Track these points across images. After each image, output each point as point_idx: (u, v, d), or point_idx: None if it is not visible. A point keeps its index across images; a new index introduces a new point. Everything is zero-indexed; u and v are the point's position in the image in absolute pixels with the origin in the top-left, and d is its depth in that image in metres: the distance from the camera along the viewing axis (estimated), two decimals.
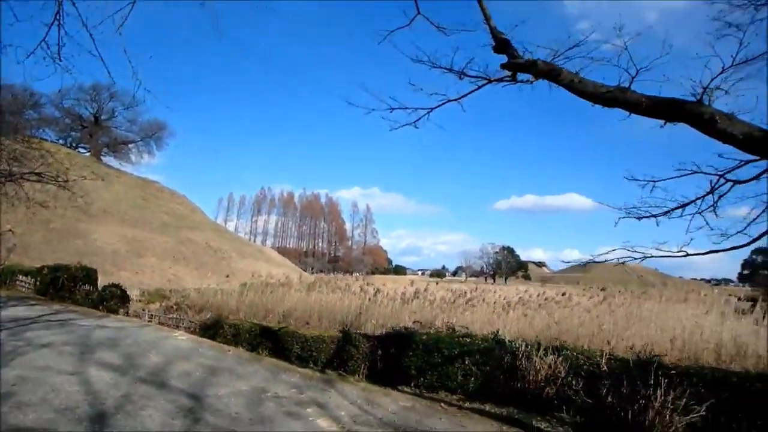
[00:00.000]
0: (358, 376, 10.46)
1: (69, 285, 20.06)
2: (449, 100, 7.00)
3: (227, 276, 47.45)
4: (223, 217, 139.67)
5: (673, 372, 6.61)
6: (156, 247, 50.28)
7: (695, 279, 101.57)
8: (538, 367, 7.77)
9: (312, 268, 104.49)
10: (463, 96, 6.95)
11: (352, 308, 18.77)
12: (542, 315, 14.00)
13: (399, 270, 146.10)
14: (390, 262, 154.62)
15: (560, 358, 7.85)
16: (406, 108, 7.23)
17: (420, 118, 7.31)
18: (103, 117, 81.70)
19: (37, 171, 14.85)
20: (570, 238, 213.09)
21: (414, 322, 11.96)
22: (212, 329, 15.28)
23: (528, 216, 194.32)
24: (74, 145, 77.71)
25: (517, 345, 8.51)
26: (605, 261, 6.82)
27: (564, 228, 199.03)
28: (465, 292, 18.32)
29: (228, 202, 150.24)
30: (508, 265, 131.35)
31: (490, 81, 6.65)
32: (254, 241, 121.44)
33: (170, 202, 68.69)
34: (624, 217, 6.90)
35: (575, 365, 7.88)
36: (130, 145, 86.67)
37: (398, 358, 9.89)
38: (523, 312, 14.86)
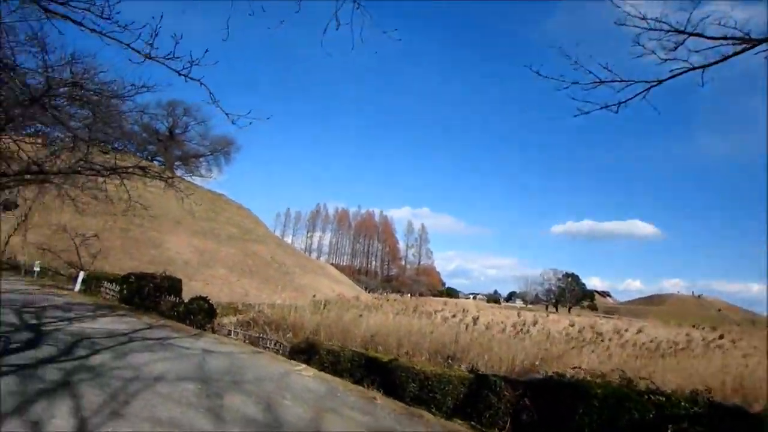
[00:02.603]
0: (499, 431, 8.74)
1: (154, 295, 19.40)
2: (691, 68, 5.25)
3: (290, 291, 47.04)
4: (281, 232, 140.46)
5: None
6: (225, 258, 50.18)
7: None
8: None
9: (366, 287, 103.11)
10: (711, 64, 5.18)
11: (446, 338, 17.18)
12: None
13: (452, 293, 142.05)
14: (443, 283, 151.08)
15: None
16: (618, 81, 5.57)
17: (632, 98, 5.66)
18: (177, 131, 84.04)
19: (141, 165, 14.09)
20: (631, 267, 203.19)
21: (573, 367, 10.06)
22: (306, 353, 13.98)
23: (584, 242, 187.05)
24: (150, 158, 79.92)
25: None
26: None
27: (624, 256, 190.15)
28: (584, 327, 16.25)
29: (285, 218, 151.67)
30: (572, 294, 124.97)
31: (756, 42, 4.91)
32: (310, 257, 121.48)
33: (236, 215, 69.18)
34: None
35: None
36: (200, 159, 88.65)
37: (561, 413, 8.09)
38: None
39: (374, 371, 11.69)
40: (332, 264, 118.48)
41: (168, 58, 4.13)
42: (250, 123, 4.84)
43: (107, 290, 22.42)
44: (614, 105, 5.73)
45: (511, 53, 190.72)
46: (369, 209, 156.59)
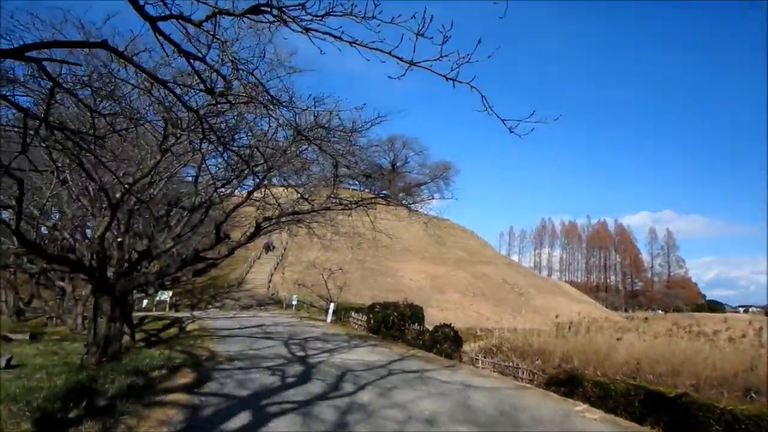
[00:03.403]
0: None
1: (399, 323, 19.83)
2: None
3: (523, 311, 45.11)
4: (506, 252, 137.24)
5: None
6: (456, 283, 50.64)
7: None
8: None
9: (608, 305, 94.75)
10: None
11: (738, 364, 14.13)
12: None
13: (715, 306, 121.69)
14: (703, 296, 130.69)
15: None
16: None
17: None
18: (398, 164, 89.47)
19: (382, 195, 14.77)
20: None
21: None
22: (566, 385, 12.56)
23: None
24: (377, 192, 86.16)
25: None
26: None
27: None
28: None
29: (509, 236, 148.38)
30: None
31: None
32: (540, 275, 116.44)
33: (462, 239, 69.86)
34: None
35: None
36: (421, 187, 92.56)
37: None
38: None
39: (657, 409, 9.85)
40: (566, 281, 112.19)
41: (435, 60, 3.50)
42: (532, 129, 3.93)
43: (355, 320, 23.74)
44: None
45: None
46: (600, 219, 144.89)
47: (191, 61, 3.64)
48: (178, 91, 5.02)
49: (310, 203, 11.84)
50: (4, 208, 11.77)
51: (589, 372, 14.66)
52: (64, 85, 4.80)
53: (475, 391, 9.48)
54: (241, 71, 3.90)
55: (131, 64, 4.10)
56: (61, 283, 25.69)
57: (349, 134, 9.50)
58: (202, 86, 4.26)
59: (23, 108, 4.77)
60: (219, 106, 6.42)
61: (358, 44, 3.47)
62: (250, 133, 9.64)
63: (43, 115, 4.77)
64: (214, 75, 4.31)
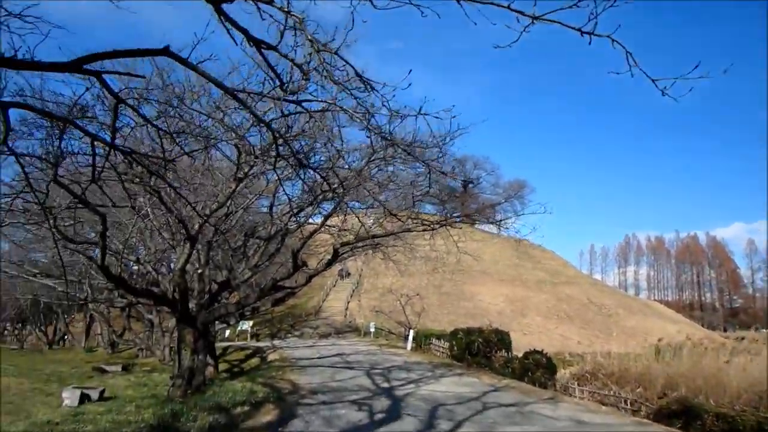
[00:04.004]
0: None
1: (484, 350, 18.69)
2: None
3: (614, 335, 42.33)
4: (588, 271, 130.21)
5: None
6: (537, 305, 48.44)
7: None
8: None
9: (704, 324, 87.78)
10: None
11: None
12: None
13: None
14: None
15: None
16: None
17: None
18: (470, 185, 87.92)
19: (468, 214, 14.33)
20: None
21: None
22: (679, 417, 11.11)
23: None
24: (449, 214, 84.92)
25: None
26: None
27: None
28: None
29: (590, 255, 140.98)
30: None
31: None
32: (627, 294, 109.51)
33: (542, 259, 67.01)
34: None
35: None
36: (496, 207, 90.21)
37: None
38: None
39: None
40: (655, 300, 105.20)
41: (567, 9, 2.79)
42: (691, 89, 3.08)
43: (437, 347, 22.74)
44: None
45: None
46: (689, 233, 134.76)
47: (262, 50, 3.15)
48: (249, 101, 4.55)
49: (399, 218, 11.28)
50: (94, 245, 12.00)
51: (701, 401, 13.05)
52: (128, 102, 4.44)
53: (588, 429, 8.36)
54: (322, 53, 3.33)
55: (195, 71, 3.65)
56: (150, 316, 26.50)
57: (441, 144, 8.90)
58: (269, 92, 3.75)
59: (90, 133, 4.45)
60: (293, 116, 5.98)
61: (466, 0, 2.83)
62: (330, 145, 9.18)
63: (110, 139, 4.43)
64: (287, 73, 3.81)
